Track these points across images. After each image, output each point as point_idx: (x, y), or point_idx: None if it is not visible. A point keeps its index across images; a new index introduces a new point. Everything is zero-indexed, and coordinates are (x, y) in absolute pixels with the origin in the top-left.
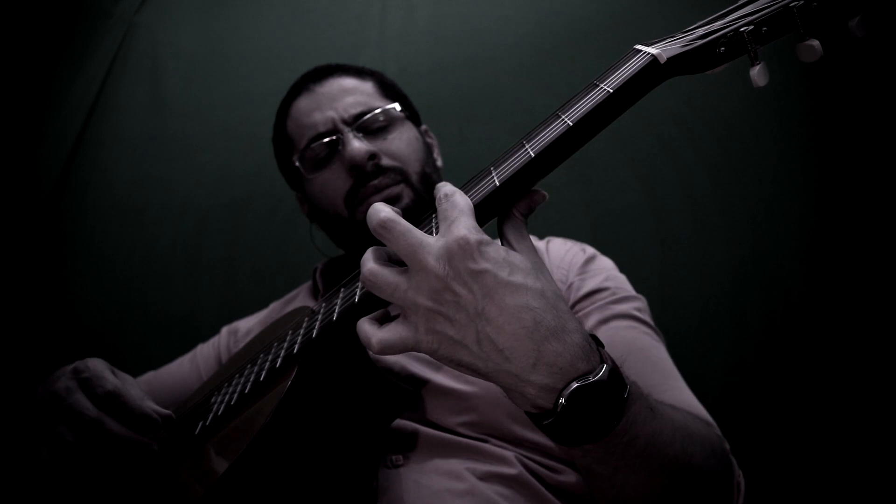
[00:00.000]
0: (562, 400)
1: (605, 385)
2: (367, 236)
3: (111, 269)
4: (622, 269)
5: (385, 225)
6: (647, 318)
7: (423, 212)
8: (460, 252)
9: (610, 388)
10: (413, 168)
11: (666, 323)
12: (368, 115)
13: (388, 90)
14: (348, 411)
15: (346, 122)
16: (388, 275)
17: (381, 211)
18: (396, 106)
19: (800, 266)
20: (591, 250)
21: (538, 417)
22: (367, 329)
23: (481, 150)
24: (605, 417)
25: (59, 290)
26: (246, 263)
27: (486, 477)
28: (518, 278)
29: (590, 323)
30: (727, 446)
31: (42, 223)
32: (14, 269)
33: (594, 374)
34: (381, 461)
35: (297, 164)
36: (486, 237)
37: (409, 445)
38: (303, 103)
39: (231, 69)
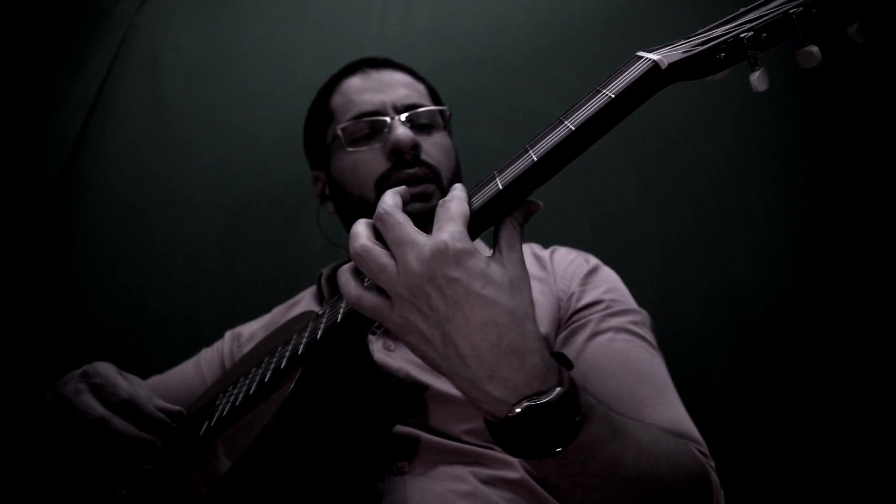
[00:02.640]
0: (512, 413)
1: (554, 407)
2: None
3: (111, 269)
4: (622, 272)
5: (381, 217)
6: (644, 331)
7: None
8: (439, 256)
9: (559, 411)
10: (445, 174)
11: (666, 325)
12: (420, 109)
13: (437, 98)
14: (352, 412)
15: (396, 109)
16: (378, 255)
17: (384, 202)
18: (446, 110)
19: (800, 268)
20: (594, 261)
21: (490, 424)
22: (350, 281)
23: (481, 150)
24: (551, 437)
25: (60, 291)
26: (246, 264)
27: (489, 481)
28: (490, 293)
29: (585, 334)
30: (711, 464)
31: (42, 223)
32: (14, 269)
33: (546, 395)
34: (386, 468)
35: (338, 132)
36: (469, 246)
37: (413, 452)
38: (356, 82)
39: (231, 69)
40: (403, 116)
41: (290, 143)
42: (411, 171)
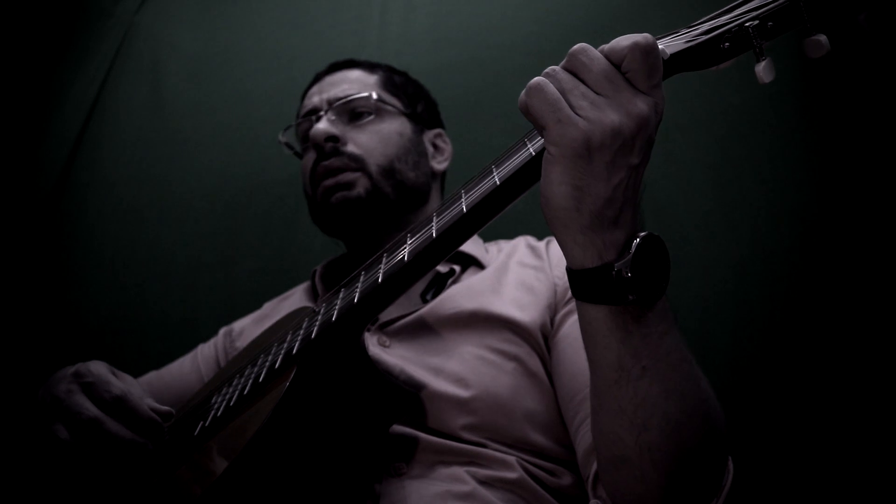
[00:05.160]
0: (637, 239)
1: (661, 242)
2: (326, 217)
3: (111, 269)
4: None
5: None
6: None
7: (381, 206)
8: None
9: (664, 247)
10: (375, 160)
11: None
12: (344, 100)
13: (393, 86)
14: (348, 413)
15: (330, 104)
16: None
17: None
18: (373, 94)
19: (800, 265)
20: None
21: (599, 270)
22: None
23: (481, 150)
24: (659, 274)
25: (59, 291)
26: (245, 264)
27: (487, 481)
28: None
29: (575, 317)
30: None
31: (42, 223)
32: (14, 269)
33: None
34: (384, 469)
35: (281, 139)
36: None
37: (411, 453)
38: (310, 91)
39: (231, 69)
40: (330, 110)
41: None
42: (327, 162)
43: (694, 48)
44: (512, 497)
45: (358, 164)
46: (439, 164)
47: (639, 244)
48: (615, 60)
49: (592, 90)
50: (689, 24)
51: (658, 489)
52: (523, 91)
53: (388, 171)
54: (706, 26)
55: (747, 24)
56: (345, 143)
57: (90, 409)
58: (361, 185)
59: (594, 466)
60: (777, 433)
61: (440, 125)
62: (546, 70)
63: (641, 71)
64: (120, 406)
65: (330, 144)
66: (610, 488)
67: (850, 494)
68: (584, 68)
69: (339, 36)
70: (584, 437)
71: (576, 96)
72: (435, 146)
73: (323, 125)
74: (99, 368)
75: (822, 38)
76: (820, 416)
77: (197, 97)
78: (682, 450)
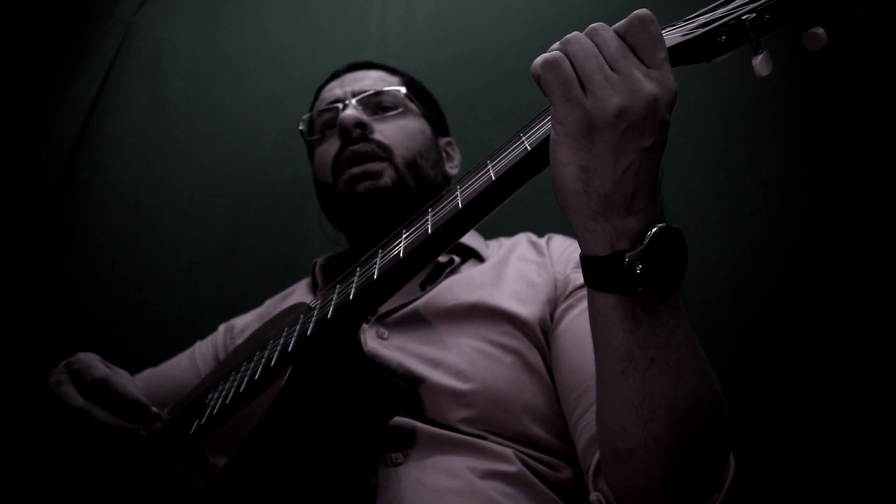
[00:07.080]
0: (652, 230)
1: (679, 234)
2: (348, 206)
3: (111, 268)
4: None
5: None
6: None
7: (405, 199)
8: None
9: (681, 238)
10: (401, 152)
11: None
12: (372, 91)
13: (414, 89)
14: (344, 409)
15: (354, 95)
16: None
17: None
18: (402, 89)
19: (799, 265)
20: None
21: (609, 259)
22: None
23: (481, 150)
24: (675, 267)
25: (59, 290)
26: (246, 263)
27: (486, 475)
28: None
29: (577, 310)
30: None
31: (42, 223)
32: (14, 268)
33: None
34: (380, 459)
35: (308, 126)
36: None
37: (408, 443)
38: (329, 85)
39: (231, 69)
40: (356, 100)
41: (290, 143)
42: (356, 147)
43: (691, 41)
44: (511, 491)
45: (385, 152)
46: (451, 169)
47: (653, 235)
48: (621, 33)
49: (609, 64)
50: (685, 18)
51: (662, 482)
52: (540, 60)
53: (412, 164)
54: (703, 19)
55: (744, 17)
56: (372, 132)
57: (76, 399)
58: (388, 176)
59: (595, 458)
60: (776, 432)
61: (449, 135)
62: (569, 37)
63: (647, 43)
64: (100, 389)
65: (358, 131)
66: (613, 481)
67: (850, 493)
68: (603, 43)
69: (339, 36)
70: (584, 430)
71: (593, 67)
72: (447, 153)
73: (351, 111)
74: (87, 356)
75: (820, 31)
76: (819, 415)
77: (197, 97)
78: (687, 443)
